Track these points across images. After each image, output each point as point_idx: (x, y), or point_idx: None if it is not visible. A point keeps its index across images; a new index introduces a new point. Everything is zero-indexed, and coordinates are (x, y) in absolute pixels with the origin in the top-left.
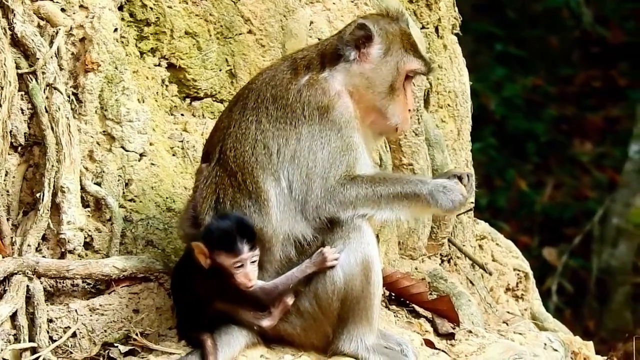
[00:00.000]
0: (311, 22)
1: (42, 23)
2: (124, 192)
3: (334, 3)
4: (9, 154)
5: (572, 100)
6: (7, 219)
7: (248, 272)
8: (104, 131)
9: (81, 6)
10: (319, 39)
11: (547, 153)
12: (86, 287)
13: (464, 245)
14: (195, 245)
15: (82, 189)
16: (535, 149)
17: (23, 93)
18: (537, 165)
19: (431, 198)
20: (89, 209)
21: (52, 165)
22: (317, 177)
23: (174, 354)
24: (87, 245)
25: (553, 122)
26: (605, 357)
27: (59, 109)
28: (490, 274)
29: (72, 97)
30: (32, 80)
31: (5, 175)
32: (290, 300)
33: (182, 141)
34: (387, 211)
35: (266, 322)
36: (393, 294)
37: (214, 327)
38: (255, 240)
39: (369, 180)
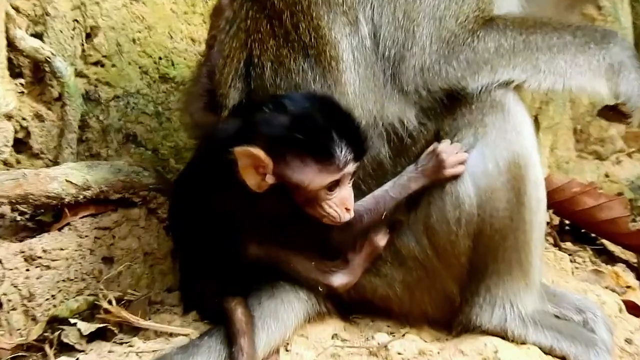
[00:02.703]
0: None
1: None
2: (84, 51)
3: None
4: None
5: None
6: None
7: (346, 196)
8: None
9: None
10: None
11: None
12: (18, 219)
13: None
14: (243, 151)
15: (10, 45)
16: None
17: None
18: None
19: (613, 71)
20: (21, 80)
21: None
22: (425, 18)
23: (177, 334)
24: (20, 144)
25: None
26: None
27: None
28: None
29: None
30: None
31: None
32: (382, 240)
33: None
34: (547, 76)
35: (340, 279)
36: (567, 222)
37: (249, 287)
38: (366, 141)
39: (516, 24)
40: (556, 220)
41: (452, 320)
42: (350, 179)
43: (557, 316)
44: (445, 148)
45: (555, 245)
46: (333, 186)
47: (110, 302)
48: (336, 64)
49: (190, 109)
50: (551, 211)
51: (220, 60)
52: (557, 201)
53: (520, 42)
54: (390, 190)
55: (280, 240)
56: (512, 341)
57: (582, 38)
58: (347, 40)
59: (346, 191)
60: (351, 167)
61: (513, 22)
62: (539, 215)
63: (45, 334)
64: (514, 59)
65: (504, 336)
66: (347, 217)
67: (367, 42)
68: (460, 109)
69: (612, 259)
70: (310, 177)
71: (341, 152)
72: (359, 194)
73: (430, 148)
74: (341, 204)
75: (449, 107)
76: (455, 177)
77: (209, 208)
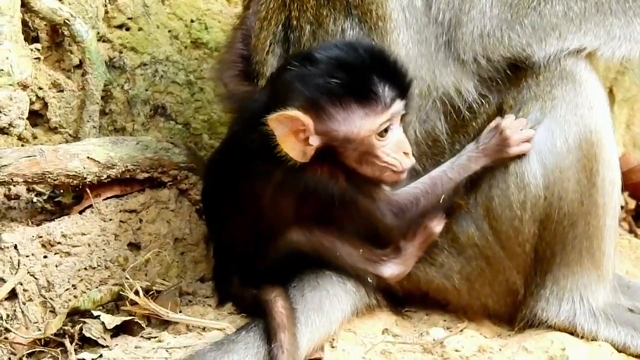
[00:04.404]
0: None
1: None
2: (107, 12)
3: None
4: None
5: None
6: None
7: (401, 139)
8: None
9: None
10: None
11: None
12: (35, 200)
13: None
14: (278, 117)
15: (25, 6)
16: None
17: None
18: None
19: None
20: (38, 45)
21: None
22: None
23: (210, 329)
24: (37, 117)
25: None
26: None
27: None
28: None
29: None
30: None
31: None
32: (437, 226)
33: None
34: (622, 43)
35: (391, 269)
36: None
37: (290, 276)
38: (408, 74)
39: None
40: (632, 204)
41: (515, 315)
42: (400, 122)
43: (631, 309)
44: (510, 124)
45: (631, 231)
46: (384, 130)
47: (137, 293)
48: (383, 24)
49: (223, 78)
50: (626, 194)
51: (257, 22)
52: (633, 183)
53: (592, 5)
54: (449, 171)
55: (324, 225)
56: (582, 337)
57: None
58: (397, 1)
59: (400, 134)
60: (398, 105)
61: None
62: (612, 199)
63: (65, 328)
64: (585, 24)
65: (572, 332)
66: (408, 163)
67: (417, 2)
68: (526, 80)
69: None
70: (359, 123)
71: (384, 88)
72: (413, 175)
73: (493, 124)
74: (398, 149)
75: (512, 78)
76: (520, 156)
77: (245, 189)
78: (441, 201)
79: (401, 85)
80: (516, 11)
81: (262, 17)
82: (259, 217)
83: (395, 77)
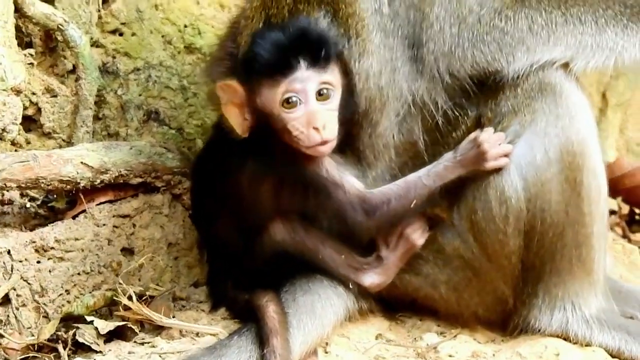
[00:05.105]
0: None
1: None
2: (100, 18)
3: None
4: None
5: None
6: None
7: (312, 113)
8: None
9: None
10: None
11: None
12: (28, 205)
13: None
14: (220, 85)
15: (19, 11)
16: None
17: None
18: None
19: None
20: (31, 50)
21: None
22: None
23: (204, 334)
24: (30, 122)
25: None
26: None
27: None
28: None
29: None
30: None
31: None
32: (420, 238)
33: None
34: (596, 51)
35: (371, 278)
36: (637, 211)
37: (281, 279)
38: (326, 52)
39: None
40: (625, 209)
41: (507, 323)
42: (322, 95)
43: (623, 315)
44: (488, 137)
45: (624, 236)
46: (289, 101)
47: (130, 298)
48: (354, 21)
49: (211, 74)
50: (620, 199)
51: (242, 21)
52: (627, 187)
53: (559, 16)
54: (424, 178)
55: (307, 224)
56: (575, 343)
57: (635, 8)
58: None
59: (314, 108)
60: (303, 73)
61: None
62: (599, 206)
63: (59, 333)
64: (553, 35)
65: (565, 339)
66: (316, 137)
67: (383, 9)
68: (504, 92)
69: None
70: (265, 95)
71: (280, 58)
72: (392, 179)
73: (472, 136)
74: (307, 124)
75: (489, 90)
76: (500, 171)
77: (225, 184)
78: (412, 206)
79: (302, 53)
80: (478, 28)
81: (246, 15)
82: (242, 211)
83: (295, 46)
